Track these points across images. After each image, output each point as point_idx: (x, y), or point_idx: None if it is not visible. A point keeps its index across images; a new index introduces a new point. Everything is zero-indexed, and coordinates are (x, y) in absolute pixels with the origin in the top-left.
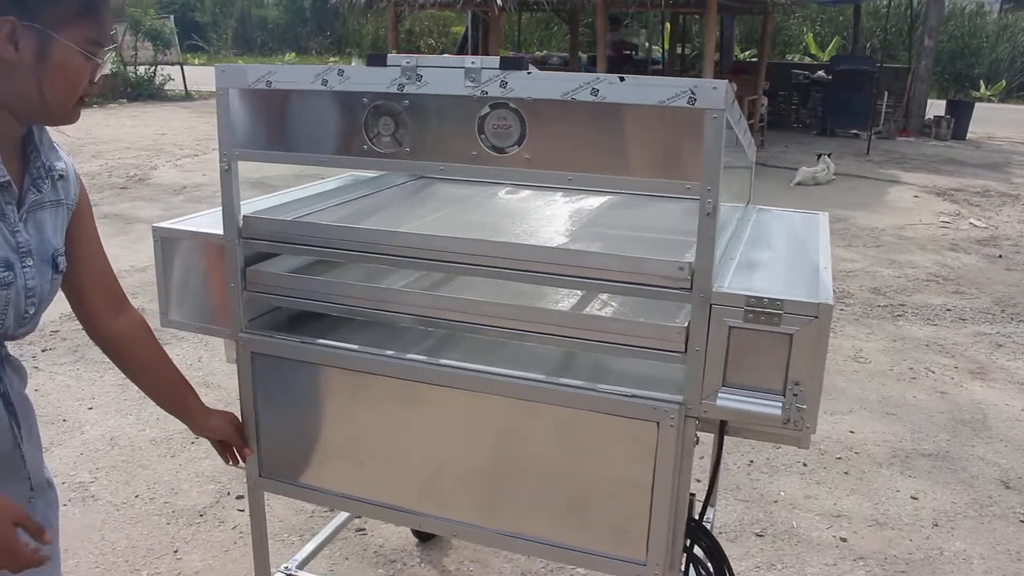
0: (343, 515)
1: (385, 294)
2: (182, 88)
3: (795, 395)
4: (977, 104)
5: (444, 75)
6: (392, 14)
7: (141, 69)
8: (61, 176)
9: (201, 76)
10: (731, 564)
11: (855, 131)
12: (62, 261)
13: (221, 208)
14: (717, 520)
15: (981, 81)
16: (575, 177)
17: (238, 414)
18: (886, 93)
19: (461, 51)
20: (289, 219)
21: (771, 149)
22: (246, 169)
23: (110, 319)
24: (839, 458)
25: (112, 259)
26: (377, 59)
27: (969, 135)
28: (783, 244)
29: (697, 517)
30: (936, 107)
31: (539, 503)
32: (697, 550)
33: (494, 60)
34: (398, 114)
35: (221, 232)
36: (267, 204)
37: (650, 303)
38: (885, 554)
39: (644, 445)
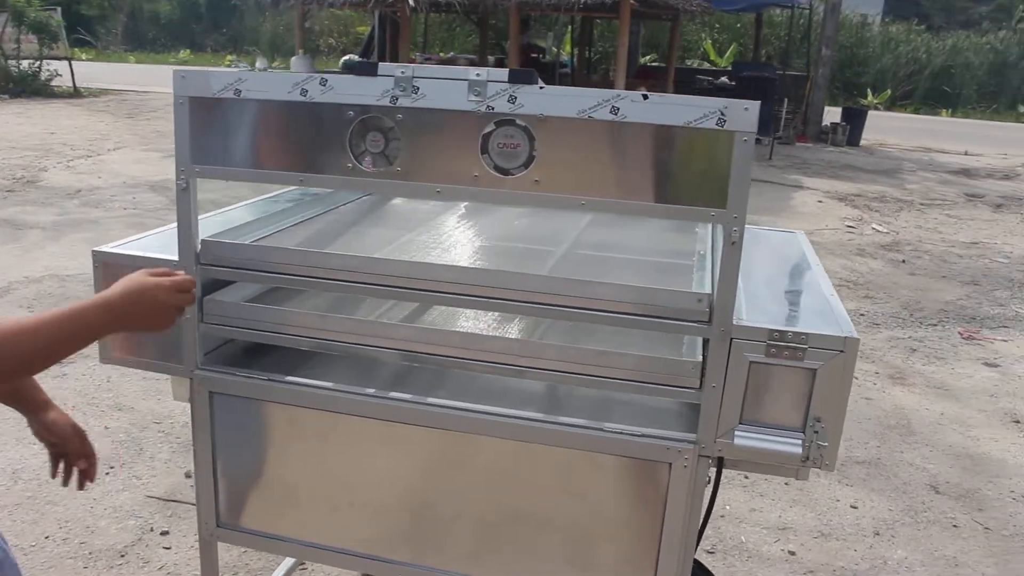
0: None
1: (367, 327)
2: (70, 84)
3: (816, 432)
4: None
5: (444, 87)
6: (299, 12)
7: (24, 63)
8: None
9: (91, 72)
10: None
11: (757, 136)
12: None
13: (175, 229)
14: None
15: (868, 89)
16: (589, 202)
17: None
18: (786, 100)
19: (366, 51)
20: (254, 244)
21: None
22: (156, 173)
23: None
24: None
25: (2, 270)
26: (367, 68)
27: (863, 141)
28: (775, 268)
29: None
30: (832, 114)
31: (534, 551)
32: None
33: (502, 72)
34: (389, 129)
35: (174, 257)
36: (214, 223)
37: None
38: (832, 566)
39: (654, 487)
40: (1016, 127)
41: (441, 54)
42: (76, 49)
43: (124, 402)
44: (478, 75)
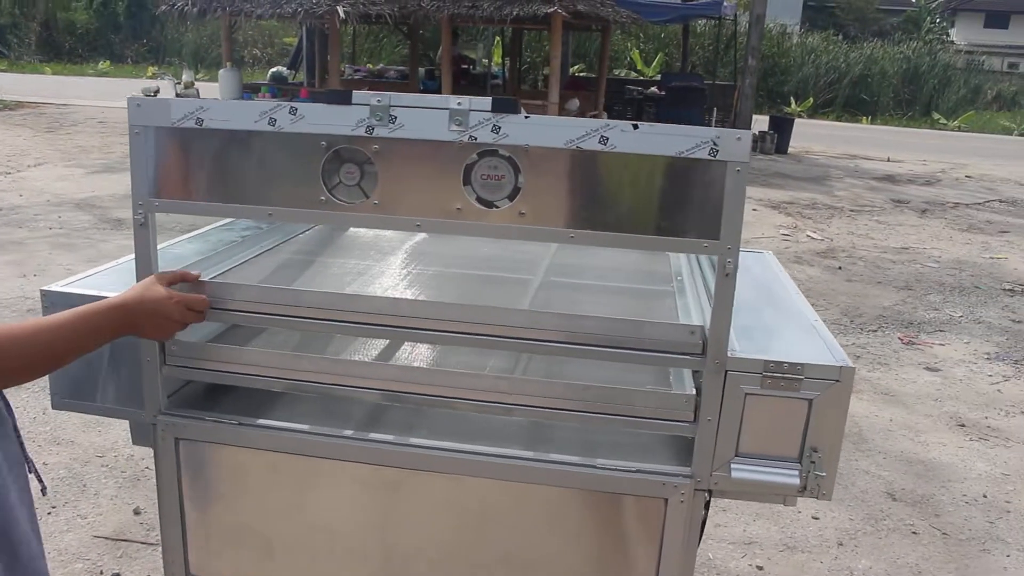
0: None
1: (342, 366)
2: None
3: (813, 462)
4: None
5: (423, 117)
6: (225, 24)
7: None
8: None
9: (4, 83)
10: None
11: None
12: None
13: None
14: None
15: (791, 98)
16: (577, 235)
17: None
18: (715, 109)
19: (294, 63)
20: (221, 281)
21: None
22: (81, 191)
23: None
24: None
25: None
26: (340, 96)
27: (790, 149)
28: (754, 293)
29: None
30: (758, 123)
31: None
32: None
33: (484, 101)
34: (364, 161)
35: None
36: (170, 256)
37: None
38: None
39: (649, 524)
40: (931, 133)
41: (370, 66)
42: None
43: (63, 435)
44: (459, 104)
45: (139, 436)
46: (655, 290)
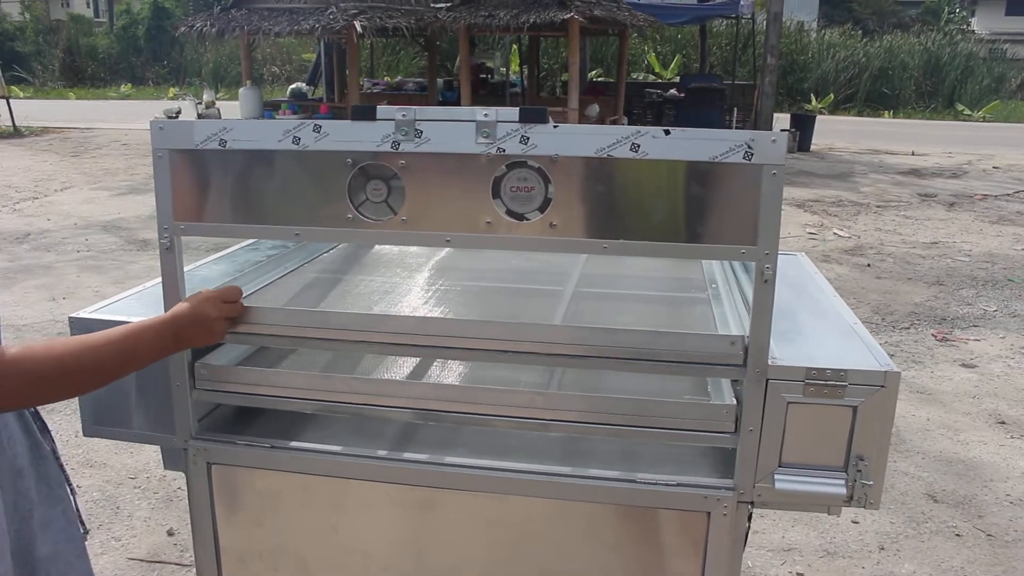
0: None
1: (375, 385)
2: (10, 124)
3: (859, 471)
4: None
5: (450, 130)
6: (244, 42)
7: None
8: None
9: (30, 110)
10: None
11: None
12: None
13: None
14: None
15: (812, 95)
16: (611, 245)
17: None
18: (735, 109)
19: (313, 78)
20: (249, 305)
21: None
22: (107, 213)
23: None
24: None
25: None
26: (365, 111)
27: (812, 147)
28: (791, 297)
29: None
30: (779, 121)
31: None
32: None
33: (512, 112)
34: (391, 177)
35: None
36: (197, 279)
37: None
38: None
39: (692, 537)
40: (955, 125)
41: (388, 78)
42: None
43: (95, 458)
44: (486, 116)
45: (171, 461)
46: (690, 297)
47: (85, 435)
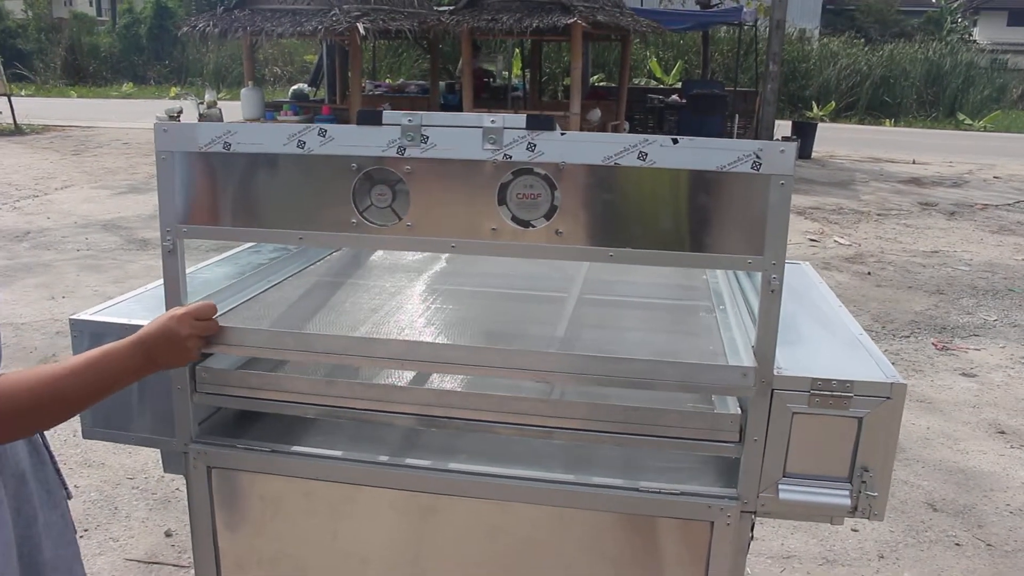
0: None
1: (377, 391)
2: (11, 121)
3: (864, 482)
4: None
5: (456, 136)
6: (246, 43)
7: None
8: None
9: (31, 108)
10: None
11: None
12: None
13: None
14: None
15: (813, 102)
16: (616, 254)
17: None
18: (737, 116)
19: (315, 80)
20: (231, 326)
21: None
22: (107, 212)
23: None
24: None
25: None
26: (370, 116)
27: (813, 154)
28: (795, 306)
29: None
30: (781, 128)
31: None
32: None
33: (519, 119)
34: (396, 182)
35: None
36: (199, 279)
37: None
38: None
39: (695, 547)
40: (956, 134)
41: (390, 81)
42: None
43: (94, 458)
44: (493, 122)
45: (170, 464)
46: (694, 305)
47: (84, 437)
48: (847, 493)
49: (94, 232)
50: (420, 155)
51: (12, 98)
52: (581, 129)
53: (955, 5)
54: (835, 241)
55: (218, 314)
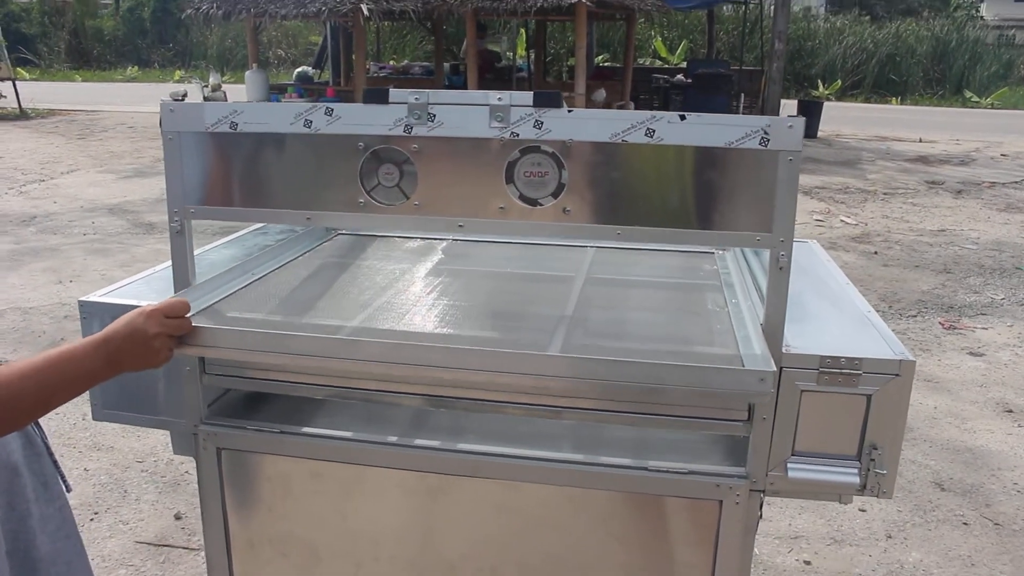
0: None
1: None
2: (16, 106)
3: (872, 460)
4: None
5: (463, 114)
6: (250, 25)
7: None
8: None
9: (36, 92)
10: None
11: None
12: None
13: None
14: None
15: (819, 81)
16: (624, 231)
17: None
18: (742, 95)
19: (319, 62)
20: (206, 326)
21: None
22: (113, 196)
23: None
24: None
25: None
26: (377, 95)
27: (819, 133)
28: (803, 285)
29: None
30: (787, 107)
31: None
32: None
33: (526, 96)
34: (403, 161)
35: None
36: (206, 261)
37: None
38: (850, 574)
39: (704, 526)
40: (963, 112)
41: (393, 62)
42: (19, 69)
43: (103, 441)
44: (500, 100)
45: (180, 446)
46: (701, 284)
47: (94, 419)
48: (856, 471)
49: (100, 216)
50: (427, 134)
51: (16, 82)
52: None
53: None
54: (841, 220)
55: (216, 300)
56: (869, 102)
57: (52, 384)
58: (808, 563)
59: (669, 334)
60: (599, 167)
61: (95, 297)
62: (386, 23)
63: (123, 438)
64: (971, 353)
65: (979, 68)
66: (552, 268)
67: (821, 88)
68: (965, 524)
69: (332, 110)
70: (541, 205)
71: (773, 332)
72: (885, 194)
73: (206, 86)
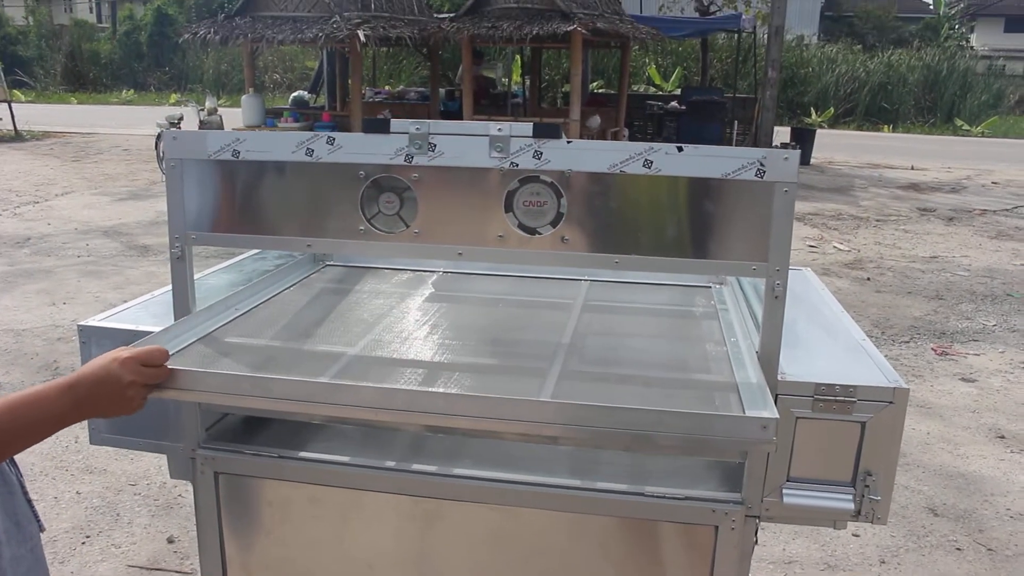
0: None
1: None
2: (11, 128)
3: (867, 486)
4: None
5: (463, 144)
6: (247, 50)
7: None
8: None
9: (31, 114)
10: None
11: None
12: None
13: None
14: None
15: (812, 109)
16: (622, 260)
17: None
18: (736, 122)
19: (315, 86)
20: (185, 368)
21: None
22: (107, 218)
23: None
24: None
25: None
26: (378, 124)
27: (812, 160)
28: (797, 312)
29: None
30: (780, 134)
31: None
32: None
33: (525, 127)
34: (404, 190)
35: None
36: (205, 286)
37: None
38: None
39: (700, 551)
40: (954, 140)
41: (390, 87)
42: (15, 91)
43: (95, 464)
44: (500, 130)
45: (176, 470)
46: (697, 312)
47: (92, 443)
48: (851, 497)
49: (95, 238)
50: (427, 163)
51: (12, 104)
52: (581, 136)
53: (953, 12)
54: (834, 247)
55: (197, 339)
56: (861, 130)
57: (16, 427)
58: None
59: (665, 364)
60: (597, 197)
61: (94, 322)
62: (382, 49)
63: (116, 461)
64: (963, 379)
65: (969, 97)
66: (546, 304)
67: (814, 116)
68: (958, 549)
69: (334, 139)
70: (540, 234)
71: (769, 360)
72: (877, 221)
73: (202, 109)
